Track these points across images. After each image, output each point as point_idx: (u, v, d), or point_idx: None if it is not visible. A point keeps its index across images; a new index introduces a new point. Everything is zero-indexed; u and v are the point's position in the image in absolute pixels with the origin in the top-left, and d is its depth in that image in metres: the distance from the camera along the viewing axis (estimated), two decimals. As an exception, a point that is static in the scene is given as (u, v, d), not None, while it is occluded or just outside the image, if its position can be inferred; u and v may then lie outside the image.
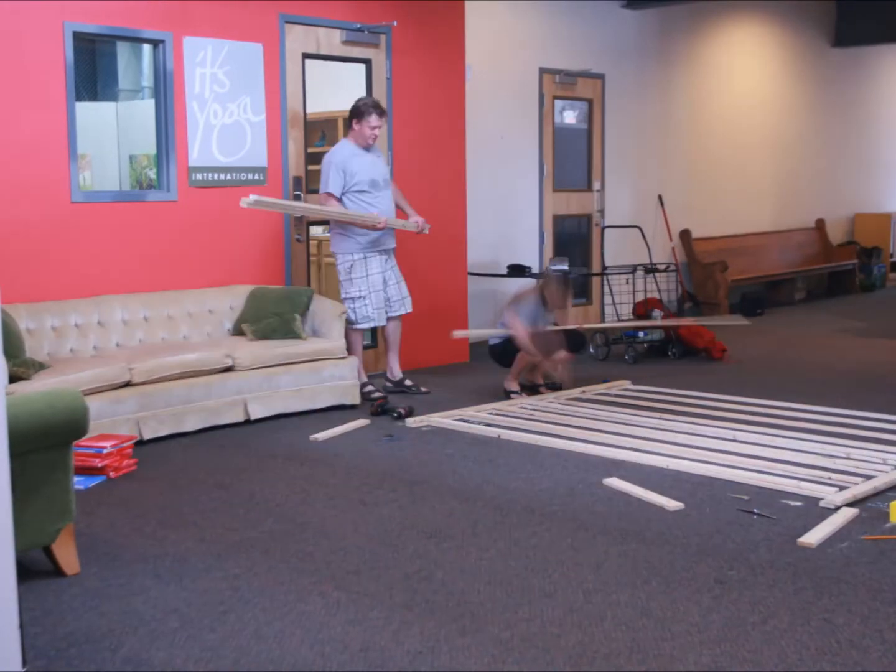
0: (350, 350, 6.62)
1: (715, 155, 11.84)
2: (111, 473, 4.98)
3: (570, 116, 10.27)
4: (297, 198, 7.16)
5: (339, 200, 6.61)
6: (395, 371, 7.01)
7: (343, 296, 6.76)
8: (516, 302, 6.85)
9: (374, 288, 6.69)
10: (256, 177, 6.92)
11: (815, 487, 4.57)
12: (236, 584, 3.62)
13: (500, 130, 9.35)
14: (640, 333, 8.46)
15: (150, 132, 6.60)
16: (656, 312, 8.54)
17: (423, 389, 6.94)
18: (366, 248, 6.67)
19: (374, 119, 6.58)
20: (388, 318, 6.87)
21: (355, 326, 6.72)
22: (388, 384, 6.99)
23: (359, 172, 6.59)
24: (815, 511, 4.33)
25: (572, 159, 10.25)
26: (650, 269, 8.91)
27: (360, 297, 6.67)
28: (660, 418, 6.05)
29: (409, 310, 6.96)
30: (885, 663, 2.97)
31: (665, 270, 9.17)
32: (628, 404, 6.47)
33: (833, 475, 4.77)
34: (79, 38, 6.12)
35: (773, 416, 6.05)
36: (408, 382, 6.96)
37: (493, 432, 5.79)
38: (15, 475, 2.67)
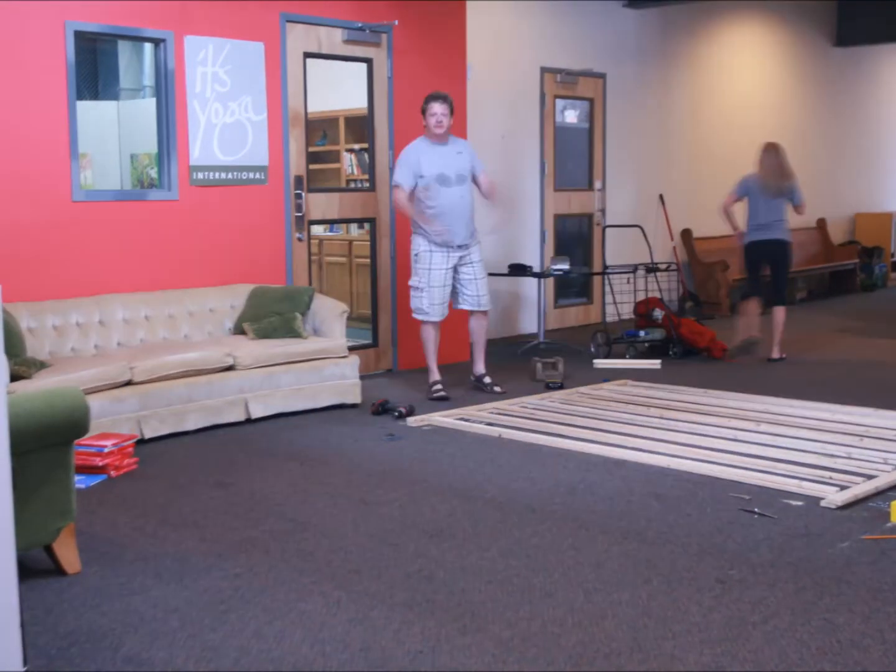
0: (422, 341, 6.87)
1: (716, 154, 11.83)
2: (112, 472, 4.98)
3: (571, 116, 10.27)
4: (297, 197, 7.16)
5: (410, 193, 6.65)
6: (477, 367, 7.03)
7: (409, 283, 6.89)
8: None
9: (434, 283, 6.70)
10: (257, 176, 6.92)
11: (816, 487, 4.58)
12: (237, 584, 3.62)
13: (501, 130, 9.34)
14: (641, 332, 8.46)
15: (152, 131, 6.60)
16: (657, 312, 8.54)
17: (497, 389, 6.89)
18: (431, 241, 6.69)
19: (434, 106, 6.58)
20: (471, 314, 6.93)
21: (413, 316, 6.88)
22: (471, 378, 7.08)
23: (426, 168, 6.60)
24: (816, 510, 4.33)
25: (573, 159, 10.25)
26: (651, 269, 8.91)
27: (417, 288, 6.76)
28: (661, 417, 6.05)
29: (483, 307, 6.88)
30: (885, 663, 2.97)
31: (666, 270, 9.17)
32: (629, 403, 6.47)
33: (834, 474, 4.77)
34: (80, 37, 6.12)
35: (774, 416, 6.05)
36: (486, 380, 6.96)
37: (494, 431, 5.79)
38: (16, 474, 2.67)
